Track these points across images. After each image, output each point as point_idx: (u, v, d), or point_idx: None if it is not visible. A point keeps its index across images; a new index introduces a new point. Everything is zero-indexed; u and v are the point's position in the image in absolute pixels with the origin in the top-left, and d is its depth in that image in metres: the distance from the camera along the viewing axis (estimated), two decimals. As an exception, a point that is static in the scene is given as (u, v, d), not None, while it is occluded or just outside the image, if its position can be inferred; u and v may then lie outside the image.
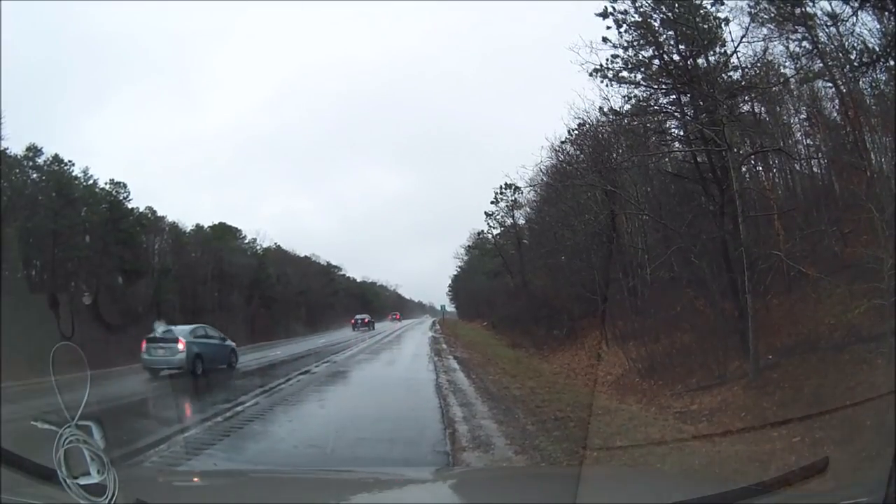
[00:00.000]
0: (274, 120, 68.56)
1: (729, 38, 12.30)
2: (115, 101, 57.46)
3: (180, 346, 15.62)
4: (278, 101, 73.94)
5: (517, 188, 25.77)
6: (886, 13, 10.99)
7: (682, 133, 13.65)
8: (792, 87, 13.39)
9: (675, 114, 13.10)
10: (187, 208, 66.17)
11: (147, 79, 60.62)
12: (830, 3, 11.64)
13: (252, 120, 63.55)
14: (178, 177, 55.42)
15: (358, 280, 60.96)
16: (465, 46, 73.80)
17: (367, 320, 44.67)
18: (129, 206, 29.79)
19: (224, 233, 37.04)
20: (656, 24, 12.31)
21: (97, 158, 58.15)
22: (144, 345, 16.04)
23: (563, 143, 18.67)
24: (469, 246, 37.75)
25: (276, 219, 65.29)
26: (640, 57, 12.51)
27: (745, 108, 13.29)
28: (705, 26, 12.13)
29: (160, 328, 15.96)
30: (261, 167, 65.61)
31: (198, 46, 69.94)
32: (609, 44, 12.45)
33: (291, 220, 62.11)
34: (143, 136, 52.84)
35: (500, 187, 26.41)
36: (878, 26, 11.20)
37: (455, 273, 48.28)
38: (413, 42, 78.93)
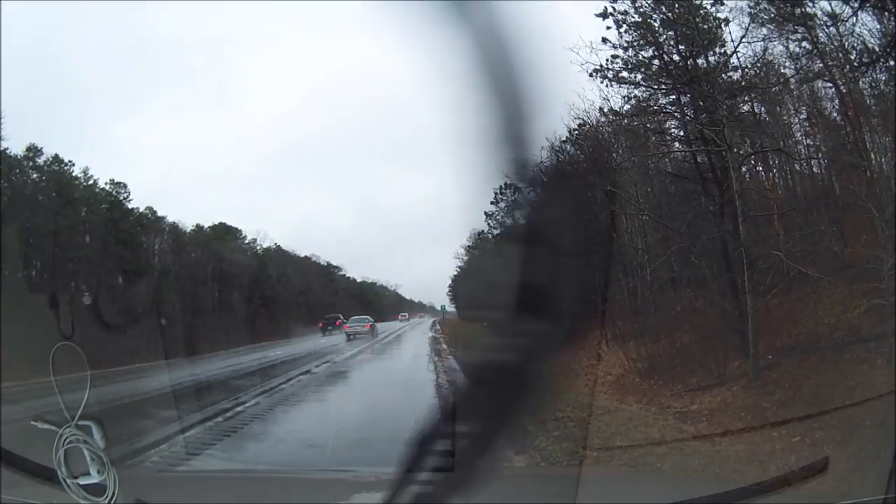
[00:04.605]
0: (274, 121, 68.49)
1: (729, 39, 12.32)
2: (119, 102, 57.45)
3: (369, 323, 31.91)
4: (277, 102, 73.84)
5: (517, 188, 25.75)
6: (886, 13, 11.00)
7: (682, 133, 13.66)
8: (792, 87, 13.39)
9: (675, 114, 13.11)
10: (188, 208, 65.91)
11: (154, 82, 60.52)
12: (830, 3, 11.65)
13: (252, 121, 63.46)
14: (178, 177, 55.34)
15: (358, 280, 60.88)
16: (462, 47, 73.52)
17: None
18: (130, 206, 29.83)
19: (224, 233, 36.99)
20: (656, 25, 12.32)
21: (98, 158, 58.03)
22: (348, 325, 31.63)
23: (562, 143, 18.66)
24: (469, 246, 37.68)
25: (276, 219, 65.11)
26: (640, 57, 12.53)
27: (745, 108, 13.29)
28: (705, 26, 12.13)
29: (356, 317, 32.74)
30: (259, 167, 65.51)
31: (210, 51, 69.90)
32: (609, 44, 12.47)
33: (293, 220, 61.97)
34: (143, 137, 52.72)
35: (500, 187, 26.38)
36: (878, 26, 11.21)
37: (455, 273, 48.15)
38: (415, 45, 78.67)
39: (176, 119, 56.69)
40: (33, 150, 25.87)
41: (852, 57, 11.73)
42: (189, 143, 55.11)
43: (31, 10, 42.44)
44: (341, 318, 34.57)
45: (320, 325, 35.09)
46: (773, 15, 12.16)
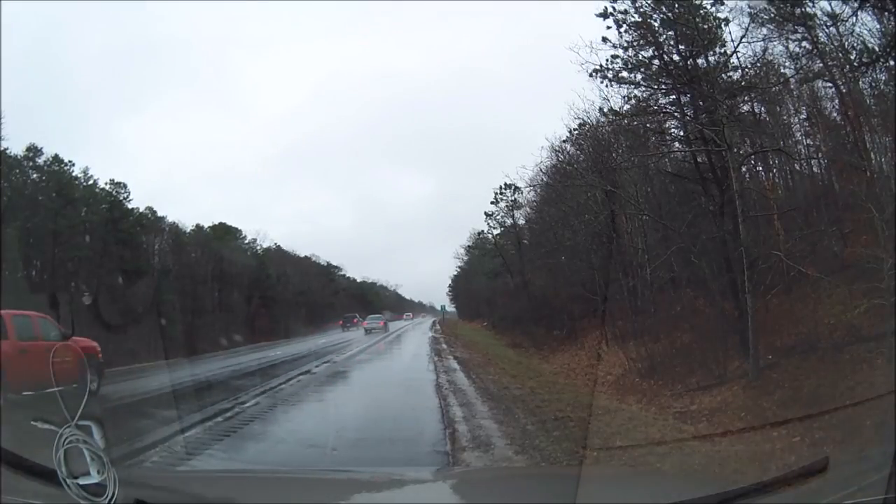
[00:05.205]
0: (275, 122, 68.42)
1: (729, 38, 12.33)
2: (121, 103, 57.50)
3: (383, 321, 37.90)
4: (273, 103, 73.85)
5: (517, 188, 25.76)
6: (886, 13, 11.00)
7: (681, 133, 13.68)
8: (792, 87, 13.41)
9: (675, 114, 13.12)
10: (188, 208, 65.95)
11: (155, 82, 60.51)
12: (830, 3, 11.67)
13: (253, 121, 63.44)
14: (179, 177, 55.45)
15: (358, 280, 60.95)
16: (464, 47, 73.71)
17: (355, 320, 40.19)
18: (130, 206, 29.88)
19: (224, 233, 37.07)
20: (656, 25, 12.32)
21: (99, 158, 58.16)
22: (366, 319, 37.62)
23: (563, 142, 18.69)
24: (469, 246, 37.70)
25: (277, 219, 65.35)
26: (640, 57, 12.53)
27: (745, 108, 13.32)
28: (705, 26, 12.14)
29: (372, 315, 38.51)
30: (260, 167, 65.57)
31: (212, 52, 69.92)
32: (609, 44, 12.48)
33: (293, 220, 62.17)
34: (144, 137, 52.76)
35: (500, 187, 26.40)
36: (878, 26, 11.22)
37: (455, 273, 48.19)
38: (415, 45, 78.84)
39: (177, 119, 56.79)
40: (33, 150, 25.95)
41: (852, 57, 11.74)
42: (190, 143, 55.25)
43: (32, 11, 42.55)
44: (358, 317, 41.67)
45: (340, 322, 40.93)
46: (772, 15, 12.17)
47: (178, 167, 58.92)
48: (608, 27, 12.39)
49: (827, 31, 11.89)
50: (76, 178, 27.66)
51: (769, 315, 10.50)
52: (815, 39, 12.06)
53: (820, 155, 14.00)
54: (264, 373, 16.89)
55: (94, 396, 10.94)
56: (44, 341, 10.74)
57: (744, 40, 12.08)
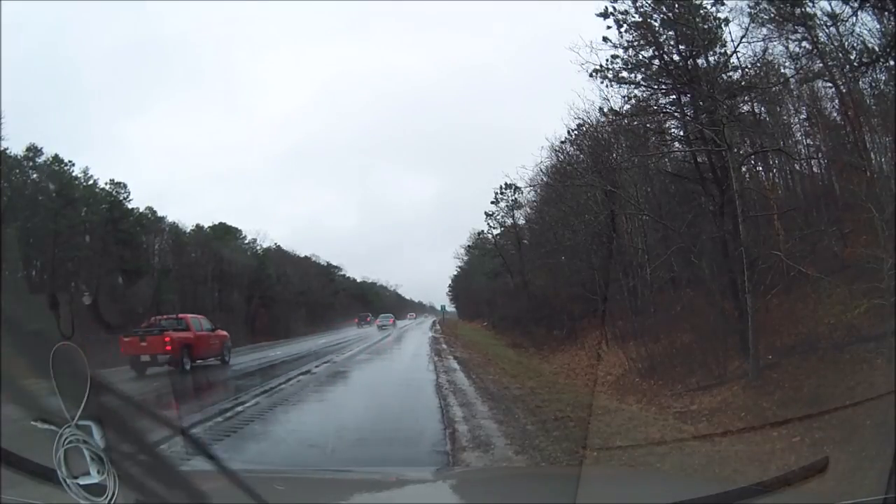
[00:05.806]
0: (278, 122, 68.43)
1: (729, 39, 12.33)
2: (124, 103, 57.50)
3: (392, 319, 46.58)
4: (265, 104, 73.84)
5: (517, 188, 25.77)
6: (886, 13, 11.00)
7: (682, 133, 13.67)
8: (792, 87, 13.41)
9: (675, 114, 13.12)
10: (190, 208, 66.03)
11: (159, 82, 60.46)
12: (830, 3, 11.67)
13: (257, 121, 63.44)
14: (181, 177, 55.49)
15: (358, 280, 61.05)
16: (465, 48, 73.72)
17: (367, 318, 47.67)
18: (130, 206, 29.87)
19: (224, 233, 37.04)
20: (656, 25, 12.32)
21: (102, 159, 58.26)
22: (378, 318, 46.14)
23: (563, 143, 18.68)
24: (469, 246, 37.70)
25: (277, 219, 65.42)
26: (640, 57, 12.53)
27: (745, 108, 13.32)
28: (705, 26, 12.14)
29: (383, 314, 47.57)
30: (262, 167, 65.58)
31: (216, 52, 69.97)
32: (609, 44, 12.48)
33: (293, 220, 62.34)
34: (147, 137, 52.80)
35: (500, 187, 26.40)
36: (878, 26, 11.23)
37: (455, 273, 48.30)
38: (416, 47, 78.90)
39: (178, 119, 56.85)
40: (33, 150, 25.94)
41: (852, 57, 11.74)
42: (191, 143, 55.30)
43: (35, 11, 42.58)
44: (371, 315, 49.24)
45: (356, 320, 47.44)
46: (772, 15, 12.17)
47: (178, 167, 58.98)
48: (608, 27, 12.40)
49: (827, 31, 11.90)
50: (76, 178, 27.67)
51: (769, 315, 10.50)
52: (815, 39, 12.07)
53: (820, 155, 14.02)
54: (264, 373, 16.89)
55: (226, 365, 19.00)
56: (205, 332, 18.63)
57: (744, 40, 12.09)
